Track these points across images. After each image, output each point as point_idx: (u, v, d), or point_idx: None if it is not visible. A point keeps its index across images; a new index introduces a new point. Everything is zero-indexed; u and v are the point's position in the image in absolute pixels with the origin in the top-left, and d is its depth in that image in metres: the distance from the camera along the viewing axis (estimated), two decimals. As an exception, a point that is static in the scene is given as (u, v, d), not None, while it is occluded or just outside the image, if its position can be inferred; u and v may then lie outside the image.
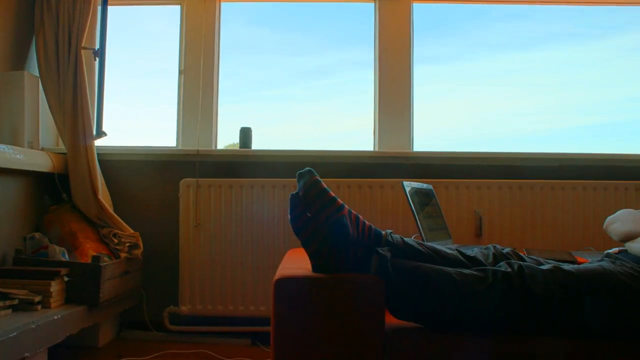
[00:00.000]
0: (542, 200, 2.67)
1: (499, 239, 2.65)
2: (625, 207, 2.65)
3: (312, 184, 1.52)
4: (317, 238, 1.55)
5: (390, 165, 2.76)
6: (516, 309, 1.40)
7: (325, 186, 1.53)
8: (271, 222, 2.64)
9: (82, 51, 2.55)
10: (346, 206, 1.52)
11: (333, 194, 1.50)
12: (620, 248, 2.13)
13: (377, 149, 2.83)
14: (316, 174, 1.50)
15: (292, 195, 1.51)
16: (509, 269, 1.44)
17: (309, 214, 1.51)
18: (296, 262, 1.96)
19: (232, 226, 2.65)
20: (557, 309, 1.37)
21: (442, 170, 2.74)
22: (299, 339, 1.63)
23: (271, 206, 2.64)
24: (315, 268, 1.60)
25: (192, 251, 2.65)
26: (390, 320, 1.78)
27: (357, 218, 1.56)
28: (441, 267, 1.52)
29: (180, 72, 2.85)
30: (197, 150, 2.72)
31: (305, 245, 1.57)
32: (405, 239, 1.62)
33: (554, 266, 1.44)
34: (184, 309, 2.64)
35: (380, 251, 1.49)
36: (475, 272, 1.47)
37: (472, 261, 1.64)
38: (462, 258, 1.64)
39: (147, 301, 2.70)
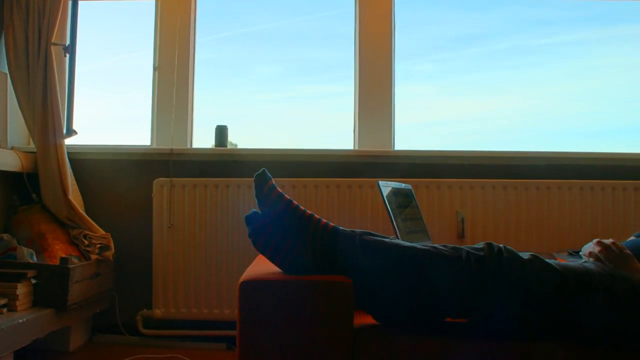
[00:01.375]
0: (526, 200, 2.70)
1: (481, 240, 2.65)
2: (613, 208, 2.69)
3: (268, 192, 1.55)
4: (284, 246, 1.58)
5: (370, 164, 2.78)
6: (492, 298, 1.40)
7: (279, 191, 1.53)
8: (243, 223, 2.66)
9: (52, 47, 2.57)
10: (301, 206, 1.52)
11: (287, 197, 1.51)
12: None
13: (357, 148, 2.86)
14: (269, 178, 1.52)
15: (247, 216, 1.55)
16: (485, 253, 1.43)
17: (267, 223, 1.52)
18: (266, 265, 1.99)
19: (207, 227, 2.67)
20: (537, 303, 1.38)
21: (423, 170, 2.77)
22: (265, 343, 1.65)
23: (247, 206, 2.66)
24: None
25: (166, 253, 2.67)
26: (359, 322, 1.82)
27: (318, 219, 1.58)
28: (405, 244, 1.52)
29: (154, 69, 2.87)
30: (171, 149, 2.75)
31: (274, 257, 1.63)
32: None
33: (534, 256, 1.45)
34: (158, 312, 2.67)
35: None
36: (446, 251, 1.46)
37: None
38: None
39: (120, 304, 2.73)
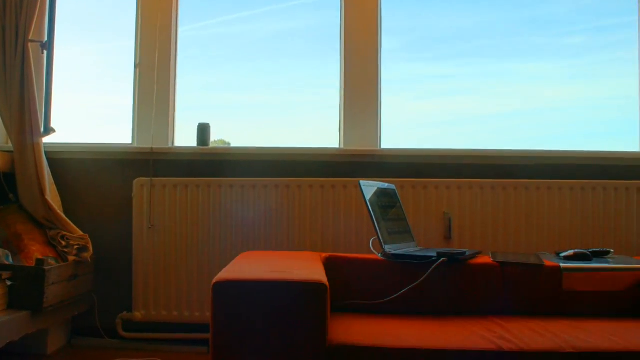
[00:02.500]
0: (515, 200, 2.71)
1: (469, 242, 2.69)
2: (604, 208, 2.70)
3: None
4: None
5: (355, 163, 2.80)
6: None
7: None
8: (229, 223, 2.68)
9: (30, 44, 2.59)
10: None
11: None
12: (576, 250, 2.18)
13: (342, 147, 2.88)
14: None
15: None
16: None
17: None
18: (243, 265, 2.01)
19: (188, 228, 2.69)
20: None
21: (410, 169, 2.79)
22: (239, 344, 1.67)
23: (229, 207, 2.68)
24: None
25: (146, 254, 2.69)
26: (334, 325, 1.84)
27: None
28: None
29: (135, 66, 2.89)
30: (152, 148, 2.76)
31: None
32: None
33: None
34: (138, 314, 2.69)
35: None
36: None
37: None
38: None
39: (100, 307, 2.74)
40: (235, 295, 1.69)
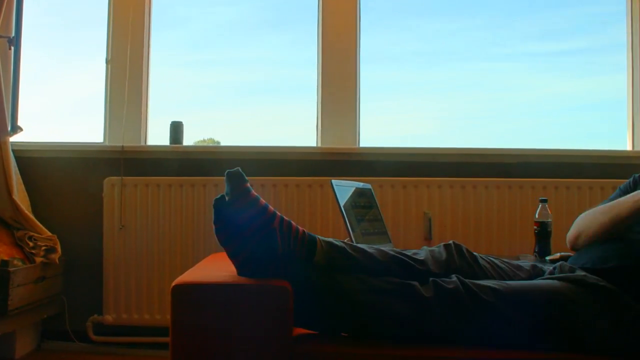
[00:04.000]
0: (498, 200, 2.71)
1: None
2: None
3: (242, 192, 1.52)
4: (244, 252, 1.58)
5: (333, 162, 2.80)
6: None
7: (255, 194, 1.51)
8: (202, 223, 2.68)
9: (-4, 39, 2.60)
10: (278, 214, 1.52)
11: (263, 202, 1.50)
12: (562, 253, 2.18)
13: (319, 145, 2.88)
14: (245, 178, 1.51)
15: (217, 200, 1.51)
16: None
17: (234, 224, 1.51)
18: (208, 267, 2.01)
19: (159, 228, 2.69)
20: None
21: (389, 168, 2.78)
22: (197, 350, 1.68)
23: (201, 206, 2.68)
24: (240, 274, 1.62)
25: (117, 255, 2.69)
26: (298, 329, 1.84)
27: (289, 227, 1.57)
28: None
29: (106, 62, 2.89)
30: (122, 147, 2.76)
31: (232, 256, 1.59)
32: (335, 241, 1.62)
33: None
34: (109, 318, 2.69)
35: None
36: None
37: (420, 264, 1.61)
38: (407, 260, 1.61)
39: (70, 309, 2.74)
40: (195, 299, 1.68)
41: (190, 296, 1.69)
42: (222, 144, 2.90)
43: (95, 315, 2.73)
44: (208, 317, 1.66)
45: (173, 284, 1.70)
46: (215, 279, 1.75)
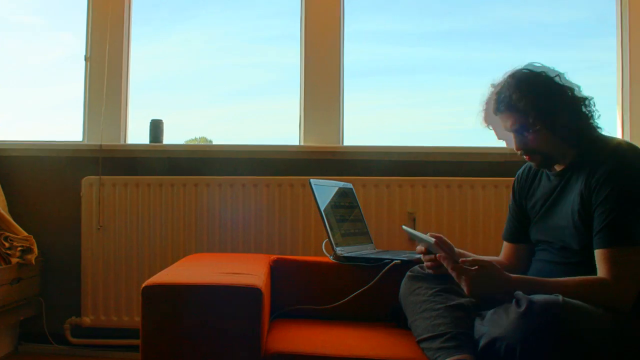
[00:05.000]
0: (484, 199, 2.70)
1: (434, 243, 2.69)
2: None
3: None
4: None
5: (316, 161, 2.79)
6: None
7: None
8: (181, 223, 2.68)
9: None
10: None
11: None
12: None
13: (302, 143, 2.88)
14: None
15: None
16: None
17: None
18: (181, 268, 2.00)
19: (138, 228, 2.68)
20: None
21: (373, 167, 2.78)
22: (168, 352, 1.67)
23: (181, 206, 2.68)
24: None
25: (95, 256, 2.68)
26: (276, 332, 1.84)
27: None
28: None
29: (85, 59, 2.88)
30: (100, 145, 2.76)
31: None
32: None
33: None
34: (87, 320, 2.68)
35: None
36: None
37: None
38: None
39: (47, 311, 2.73)
40: (165, 300, 1.68)
41: (160, 297, 1.69)
42: (206, 144, 2.89)
43: (73, 317, 2.72)
44: (179, 319, 1.67)
45: (143, 285, 1.70)
46: (186, 279, 1.75)
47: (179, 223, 2.68)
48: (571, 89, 1.64)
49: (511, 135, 1.68)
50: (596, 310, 1.41)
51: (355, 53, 2.97)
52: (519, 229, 1.85)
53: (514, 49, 3.06)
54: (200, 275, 1.85)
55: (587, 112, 1.64)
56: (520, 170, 1.89)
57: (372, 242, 2.41)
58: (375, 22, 3.10)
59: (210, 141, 3.10)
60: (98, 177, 2.70)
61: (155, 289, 1.69)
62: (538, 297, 1.37)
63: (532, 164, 1.74)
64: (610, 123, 2.98)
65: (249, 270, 1.89)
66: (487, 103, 1.72)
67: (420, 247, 1.77)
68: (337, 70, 2.89)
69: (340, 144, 2.87)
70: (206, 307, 1.66)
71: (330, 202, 2.26)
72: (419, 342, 1.63)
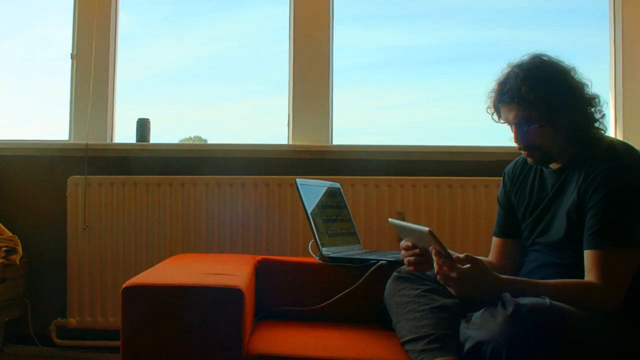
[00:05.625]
0: (474, 199, 2.70)
1: (424, 243, 2.68)
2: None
3: None
4: None
5: (304, 160, 2.79)
6: None
7: None
8: (168, 223, 2.68)
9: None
10: None
11: None
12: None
13: (290, 142, 2.87)
14: None
15: None
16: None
17: None
18: (164, 269, 2.00)
19: (124, 228, 2.68)
20: None
21: (362, 166, 2.77)
22: (148, 353, 1.67)
23: (167, 206, 2.68)
24: None
25: (81, 256, 2.68)
26: (259, 333, 1.84)
27: None
28: None
29: (72, 57, 2.88)
30: (86, 144, 2.75)
31: None
32: None
33: None
34: (72, 321, 2.68)
35: None
36: None
37: None
38: None
39: (33, 312, 2.72)
40: (145, 301, 1.68)
41: (140, 298, 1.69)
42: (193, 143, 2.89)
43: (59, 319, 2.72)
44: (159, 320, 1.66)
45: (123, 285, 1.70)
46: (167, 280, 1.75)
47: (166, 223, 2.68)
48: (581, 87, 1.61)
49: (512, 127, 1.65)
50: (583, 313, 1.41)
51: (345, 50, 2.96)
52: (510, 224, 1.83)
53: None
54: (181, 275, 1.85)
55: (593, 113, 1.61)
56: (511, 165, 1.86)
57: (359, 243, 2.41)
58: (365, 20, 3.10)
59: (205, 140, 3.10)
60: (84, 176, 2.70)
61: (135, 290, 1.69)
62: (525, 300, 1.37)
63: (529, 159, 1.69)
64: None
65: (232, 271, 1.89)
66: (492, 92, 1.68)
67: (405, 242, 1.73)
68: (326, 69, 2.88)
69: (330, 143, 2.87)
70: (187, 308, 1.66)
71: (316, 202, 2.26)
72: (402, 343, 1.62)
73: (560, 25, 3.06)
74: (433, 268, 1.54)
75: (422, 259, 1.66)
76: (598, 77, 2.94)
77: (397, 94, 3.10)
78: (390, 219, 1.76)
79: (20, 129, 2.99)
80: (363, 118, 3.11)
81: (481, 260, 1.49)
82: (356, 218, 2.53)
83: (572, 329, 1.37)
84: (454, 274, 1.45)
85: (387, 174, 2.74)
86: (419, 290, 1.70)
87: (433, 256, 1.52)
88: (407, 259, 1.72)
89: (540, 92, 1.55)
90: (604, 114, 1.64)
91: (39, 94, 3.07)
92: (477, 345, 1.39)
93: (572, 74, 1.62)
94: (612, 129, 2.95)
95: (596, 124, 1.62)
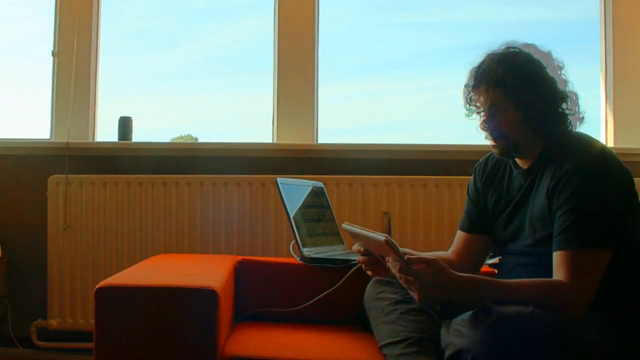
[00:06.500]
0: (461, 199, 2.68)
1: (410, 244, 2.67)
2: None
3: None
4: None
5: (289, 159, 2.78)
6: None
7: None
8: (150, 223, 2.67)
9: None
10: None
11: None
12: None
13: (275, 141, 2.87)
14: None
15: None
16: None
17: None
18: (140, 269, 2.00)
19: (106, 229, 2.67)
20: None
21: (347, 165, 2.77)
22: (122, 354, 1.67)
23: (149, 205, 2.67)
24: None
25: (62, 257, 2.66)
26: (237, 335, 1.83)
27: None
28: None
29: (53, 55, 2.87)
30: (67, 143, 2.74)
31: None
32: None
33: None
34: (53, 322, 2.66)
35: None
36: None
37: None
38: None
39: (13, 314, 2.71)
40: (118, 302, 1.68)
41: (113, 299, 1.69)
42: (175, 142, 2.88)
43: (40, 320, 2.70)
44: (133, 321, 1.66)
45: (96, 286, 1.70)
46: (141, 281, 1.74)
47: (148, 223, 2.67)
48: (554, 82, 1.61)
49: (480, 114, 1.64)
50: (567, 321, 1.39)
51: (331, 47, 2.97)
52: (478, 218, 1.82)
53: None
54: (156, 276, 1.85)
55: (566, 110, 1.61)
56: (482, 160, 1.86)
57: (343, 243, 2.40)
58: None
59: (196, 139, 3.10)
60: (65, 175, 2.69)
61: (108, 291, 1.69)
62: (507, 309, 1.35)
63: (495, 151, 1.67)
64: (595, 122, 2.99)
65: (209, 272, 1.89)
66: (466, 80, 1.67)
67: (356, 246, 1.70)
68: (311, 67, 2.88)
69: (315, 142, 2.86)
70: (160, 309, 1.65)
71: (298, 201, 2.25)
72: (380, 347, 1.62)
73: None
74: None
75: (379, 265, 1.63)
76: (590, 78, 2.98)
77: (384, 91, 3.09)
78: (344, 224, 1.69)
79: (0, 127, 2.97)
80: (349, 117, 3.10)
81: (435, 259, 1.41)
82: (341, 218, 2.52)
83: (555, 337, 1.35)
84: (411, 278, 1.40)
85: (372, 173, 2.73)
86: (397, 295, 1.70)
87: (390, 266, 1.48)
88: (362, 264, 1.69)
89: (516, 76, 1.56)
90: (583, 114, 1.64)
91: (20, 92, 3.06)
92: (457, 353, 1.37)
93: (551, 69, 1.62)
94: (602, 129, 2.96)
95: (567, 122, 1.61)
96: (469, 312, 1.40)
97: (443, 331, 1.53)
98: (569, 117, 1.61)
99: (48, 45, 2.89)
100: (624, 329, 1.47)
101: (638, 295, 1.53)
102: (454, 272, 1.42)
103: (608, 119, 2.93)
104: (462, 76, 1.71)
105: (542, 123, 1.59)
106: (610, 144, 2.91)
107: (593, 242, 1.46)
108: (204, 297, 1.66)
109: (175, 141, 3.05)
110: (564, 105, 1.60)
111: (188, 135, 3.12)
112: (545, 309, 1.37)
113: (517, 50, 1.63)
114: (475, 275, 1.52)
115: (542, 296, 1.42)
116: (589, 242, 1.46)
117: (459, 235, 1.87)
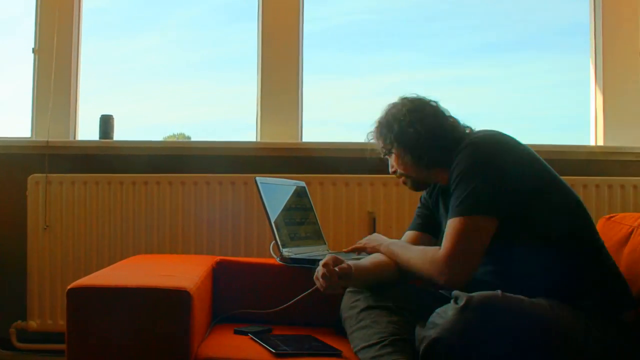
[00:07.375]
0: (447, 199, 2.70)
1: (395, 244, 2.68)
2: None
3: None
4: None
5: (273, 158, 2.78)
6: None
7: None
8: (131, 223, 2.66)
9: None
10: None
11: None
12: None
13: (259, 140, 2.87)
14: None
15: None
16: None
17: None
18: (115, 270, 2.00)
19: (86, 228, 2.66)
20: None
21: (331, 164, 2.77)
22: (93, 355, 1.67)
23: (130, 205, 2.66)
24: None
25: (42, 257, 2.65)
26: (213, 337, 1.83)
27: None
28: None
29: (33, 52, 2.87)
30: (47, 142, 2.74)
31: None
32: None
33: None
34: (33, 324, 2.65)
35: None
36: None
37: None
38: None
39: (-8, 315, 2.72)
40: (90, 303, 1.67)
41: (85, 300, 1.68)
42: (158, 140, 2.88)
43: (19, 321, 2.70)
44: (105, 322, 1.66)
45: (68, 287, 1.70)
46: (113, 282, 1.74)
47: (129, 223, 2.66)
48: (434, 118, 1.79)
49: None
50: (534, 303, 1.45)
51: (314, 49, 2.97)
52: (430, 221, 1.95)
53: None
54: (130, 277, 1.84)
55: (453, 138, 1.74)
56: None
57: (325, 244, 2.40)
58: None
59: (189, 137, 3.09)
60: (45, 174, 2.68)
61: (79, 292, 1.69)
62: (476, 294, 1.40)
63: (407, 186, 1.93)
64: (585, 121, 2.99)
65: (185, 272, 1.89)
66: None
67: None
68: (295, 66, 2.88)
69: (299, 140, 2.86)
70: (132, 310, 1.65)
71: (280, 203, 2.24)
72: (356, 353, 1.63)
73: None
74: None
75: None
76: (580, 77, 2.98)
77: (368, 86, 3.10)
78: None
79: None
80: (333, 112, 3.10)
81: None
82: (324, 218, 2.53)
83: (525, 316, 1.41)
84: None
85: (357, 172, 2.73)
86: (370, 299, 1.73)
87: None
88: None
89: (390, 129, 1.81)
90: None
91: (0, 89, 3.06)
92: (431, 343, 1.41)
93: (433, 109, 1.82)
94: (592, 128, 2.97)
95: (461, 141, 1.71)
96: (445, 305, 1.45)
97: (418, 329, 1.54)
98: (464, 134, 1.77)
99: (29, 41, 2.89)
100: (591, 317, 1.51)
101: (604, 287, 1.60)
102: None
103: (598, 118, 2.93)
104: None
105: (432, 159, 1.77)
106: (600, 142, 2.91)
107: (468, 210, 1.57)
108: (176, 298, 1.65)
109: (167, 140, 3.04)
110: (449, 135, 1.75)
111: (181, 134, 3.12)
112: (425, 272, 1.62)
113: (399, 100, 1.84)
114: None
115: (422, 261, 1.65)
116: (465, 210, 1.58)
117: (407, 235, 1.98)
